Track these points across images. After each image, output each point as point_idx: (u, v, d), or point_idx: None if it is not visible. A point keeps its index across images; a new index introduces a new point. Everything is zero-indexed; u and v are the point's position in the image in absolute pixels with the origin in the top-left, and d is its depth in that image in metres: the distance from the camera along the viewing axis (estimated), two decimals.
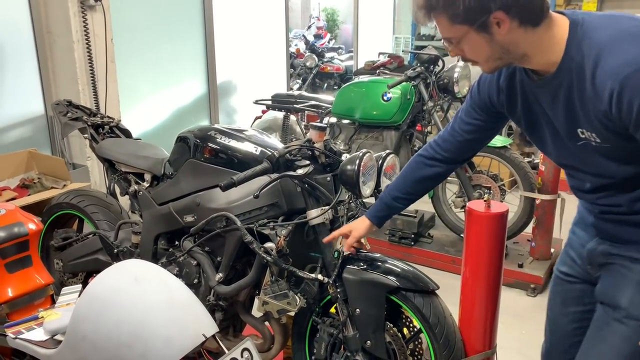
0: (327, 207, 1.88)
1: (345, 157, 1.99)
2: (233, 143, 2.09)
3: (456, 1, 1.18)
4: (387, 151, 2.00)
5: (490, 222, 1.75)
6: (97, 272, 2.57)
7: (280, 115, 4.48)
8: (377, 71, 5.83)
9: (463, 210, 3.62)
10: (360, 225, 1.83)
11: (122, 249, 2.39)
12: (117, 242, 2.41)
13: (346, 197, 1.95)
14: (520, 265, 3.35)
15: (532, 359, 2.61)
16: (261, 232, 1.93)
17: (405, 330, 2.00)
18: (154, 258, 2.29)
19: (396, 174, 2.02)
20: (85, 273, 2.67)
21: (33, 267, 1.75)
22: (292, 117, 4.39)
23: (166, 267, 2.21)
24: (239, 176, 1.78)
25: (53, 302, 1.78)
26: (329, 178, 1.93)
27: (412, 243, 3.69)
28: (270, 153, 2.01)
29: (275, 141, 2.19)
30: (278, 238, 1.87)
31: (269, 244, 1.91)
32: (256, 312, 2.11)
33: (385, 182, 1.97)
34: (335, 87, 8.50)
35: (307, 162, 1.87)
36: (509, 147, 3.49)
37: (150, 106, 4.57)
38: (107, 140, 2.59)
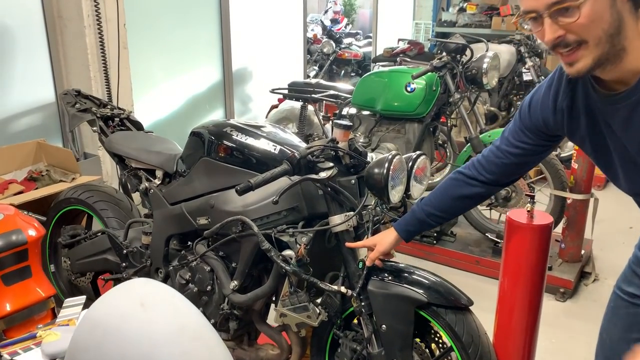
0: (351, 214, 1.73)
1: (371, 157, 1.84)
2: (250, 141, 1.93)
3: None
4: (418, 152, 1.84)
5: (533, 234, 1.59)
6: (106, 272, 2.47)
7: (297, 105, 4.32)
8: (398, 58, 5.67)
9: (488, 208, 3.46)
10: (386, 239, 1.68)
11: (131, 249, 2.27)
12: (126, 242, 2.28)
13: (372, 203, 1.80)
14: (549, 268, 3.18)
15: None
16: (279, 238, 1.79)
17: (433, 346, 1.85)
18: (166, 260, 2.16)
19: (427, 177, 1.86)
20: (94, 273, 2.56)
21: (33, 279, 1.61)
22: (310, 107, 4.22)
23: (178, 271, 2.09)
24: (256, 179, 1.63)
25: (54, 315, 1.65)
26: (353, 181, 1.77)
27: (435, 242, 3.54)
28: (289, 152, 1.87)
29: (295, 139, 2.03)
30: (298, 246, 1.72)
31: (287, 252, 1.77)
32: (272, 319, 1.98)
33: (415, 187, 1.81)
34: (353, 74, 8.29)
35: (331, 164, 1.72)
36: None
37: (164, 93, 4.44)
38: (117, 133, 2.45)
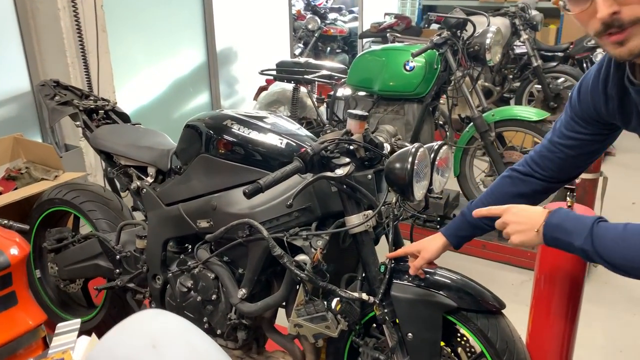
0: (370, 213, 1.57)
1: (386, 148, 1.67)
2: (253, 135, 1.75)
3: None
4: (439, 142, 1.68)
5: None
6: (98, 277, 2.29)
7: (288, 86, 4.11)
8: (387, 34, 5.46)
9: None
10: (432, 246, 1.53)
11: (125, 254, 2.08)
12: (119, 246, 2.10)
13: (393, 200, 1.64)
14: None
15: None
16: (291, 242, 1.63)
17: (459, 350, 1.72)
18: (163, 266, 1.99)
19: (449, 168, 1.71)
20: (85, 278, 2.37)
21: (19, 306, 1.40)
22: (302, 89, 4.02)
23: (178, 278, 1.92)
24: (266, 179, 1.45)
25: (46, 346, 1.46)
26: (370, 176, 1.61)
27: (438, 226, 3.40)
28: (295, 145, 1.70)
29: (301, 130, 1.86)
30: (314, 251, 1.56)
31: (301, 257, 1.61)
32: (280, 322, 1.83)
33: (437, 179, 1.65)
34: (339, 51, 8.04)
35: (347, 159, 1.54)
36: (546, 120, 3.18)
37: (146, 78, 4.21)
38: (102, 128, 2.24)
